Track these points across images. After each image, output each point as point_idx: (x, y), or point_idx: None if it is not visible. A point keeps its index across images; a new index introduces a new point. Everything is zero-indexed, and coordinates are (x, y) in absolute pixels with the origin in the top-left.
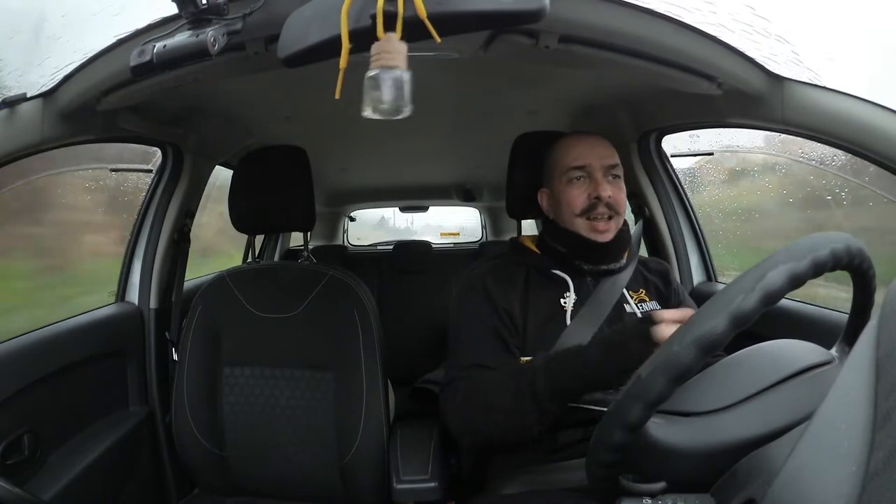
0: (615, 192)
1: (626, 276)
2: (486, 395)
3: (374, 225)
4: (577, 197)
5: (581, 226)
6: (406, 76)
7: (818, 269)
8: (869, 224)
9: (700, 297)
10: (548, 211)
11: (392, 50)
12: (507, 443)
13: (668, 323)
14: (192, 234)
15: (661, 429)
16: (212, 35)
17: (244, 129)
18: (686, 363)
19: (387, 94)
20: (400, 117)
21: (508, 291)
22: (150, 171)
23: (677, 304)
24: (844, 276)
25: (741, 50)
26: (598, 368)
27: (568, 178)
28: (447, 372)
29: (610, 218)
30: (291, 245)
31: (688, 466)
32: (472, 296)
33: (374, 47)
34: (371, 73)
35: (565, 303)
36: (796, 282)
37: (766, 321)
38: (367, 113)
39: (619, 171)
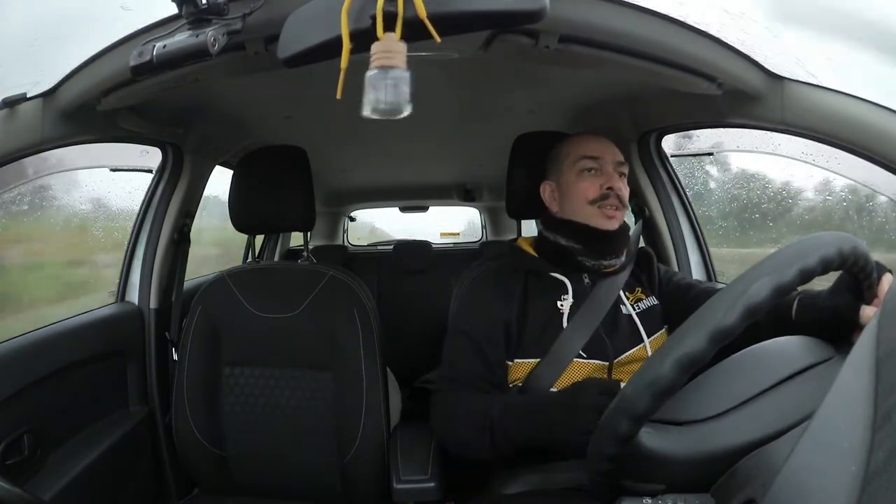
0: (623, 187)
1: (623, 277)
2: (452, 420)
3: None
4: (590, 187)
5: (591, 213)
6: (406, 76)
7: (806, 278)
8: None
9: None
10: (550, 203)
11: (391, 49)
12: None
13: None
14: None
15: (654, 439)
16: (212, 35)
17: (244, 129)
18: (668, 381)
19: (386, 94)
20: (399, 117)
21: (505, 299)
22: (149, 171)
23: (668, 294)
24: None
25: (741, 50)
26: (549, 432)
27: (580, 167)
28: (437, 375)
29: (617, 209)
30: (291, 245)
31: (684, 473)
32: (467, 304)
33: (374, 47)
34: (370, 72)
35: (562, 305)
36: (782, 293)
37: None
38: (367, 113)
39: (626, 170)
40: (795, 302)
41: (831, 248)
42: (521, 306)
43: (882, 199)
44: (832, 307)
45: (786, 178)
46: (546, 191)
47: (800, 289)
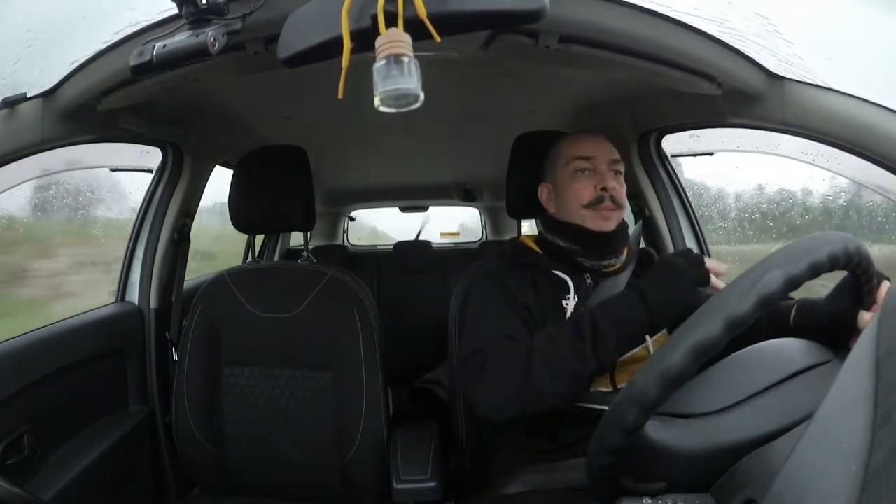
0: (618, 187)
1: (625, 277)
2: (535, 356)
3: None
4: (584, 189)
5: (587, 215)
6: (415, 62)
7: (815, 272)
8: None
9: (699, 298)
10: (548, 205)
11: (398, 39)
12: (545, 409)
13: (717, 273)
14: None
15: (659, 431)
16: (212, 35)
17: (244, 129)
18: (680, 369)
19: (399, 81)
20: (413, 107)
21: (520, 288)
22: (150, 171)
23: None
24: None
25: (741, 50)
26: (652, 306)
27: (574, 168)
28: (466, 349)
29: (612, 210)
30: (291, 245)
31: (687, 468)
32: (489, 285)
33: (379, 39)
34: (379, 63)
35: (566, 304)
36: (793, 285)
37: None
38: (379, 105)
39: (622, 168)
40: (794, 308)
41: (838, 245)
42: (532, 298)
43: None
44: (832, 311)
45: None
46: (543, 193)
47: (797, 297)
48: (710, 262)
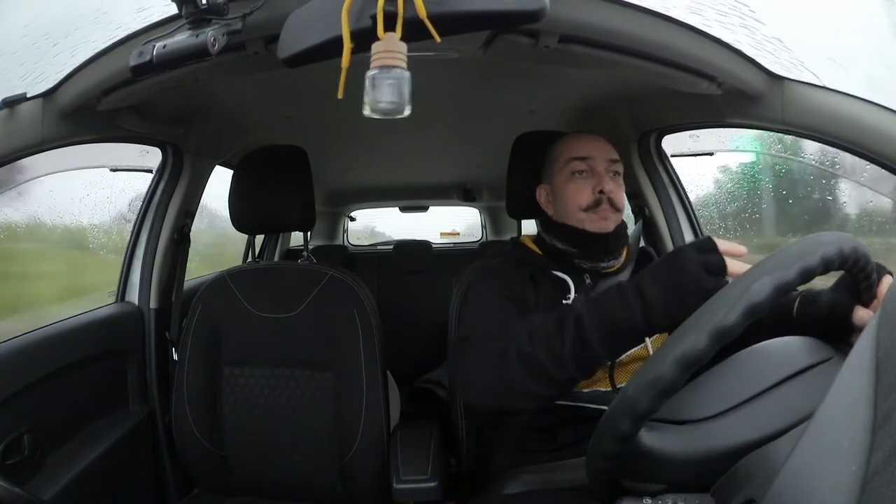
0: (616, 189)
1: (624, 277)
2: (512, 351)
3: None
4: (581, 191)
5: (584, 218)
6: (406, 76)
7: (807, 277)
8: None
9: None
10: (546, 207)
11: (392, 49)
12: (526, 405)
13: (735, 256)
14: None
15: (654, 438)
16: (212, 35)
17: (244, 129)
18: (669, 380)
19: (386, 93)
20: (399, 117)
21: (520, 285)
22: (149, 171)
23: None
24: None
25: (741, 50)
26: (651, 305)
27: (570, 170)
28: (460, 334)
29: (611, 213)
30: (291, 245)
31: (684, 472)
32: (487, 278)
33: (375, 47)
34: (371, 72)
35: (567, 303)
36: (783, 292)
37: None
38: (367, 112)
39: (620, 169)
40: (797, 299)
41: (832, 248)
42: (531, 294)
43: None
44: (831, 305)
45: None
46: (541, 195)
47: (801, 288)
48: (724, 245)
